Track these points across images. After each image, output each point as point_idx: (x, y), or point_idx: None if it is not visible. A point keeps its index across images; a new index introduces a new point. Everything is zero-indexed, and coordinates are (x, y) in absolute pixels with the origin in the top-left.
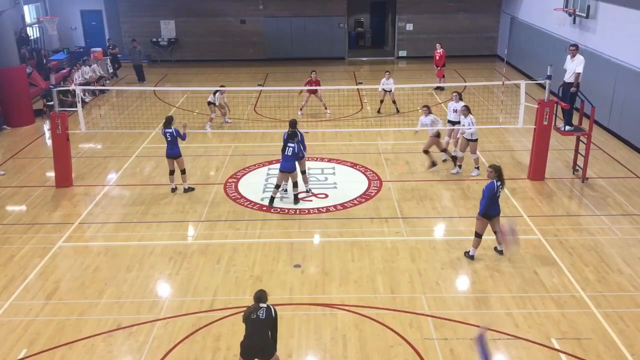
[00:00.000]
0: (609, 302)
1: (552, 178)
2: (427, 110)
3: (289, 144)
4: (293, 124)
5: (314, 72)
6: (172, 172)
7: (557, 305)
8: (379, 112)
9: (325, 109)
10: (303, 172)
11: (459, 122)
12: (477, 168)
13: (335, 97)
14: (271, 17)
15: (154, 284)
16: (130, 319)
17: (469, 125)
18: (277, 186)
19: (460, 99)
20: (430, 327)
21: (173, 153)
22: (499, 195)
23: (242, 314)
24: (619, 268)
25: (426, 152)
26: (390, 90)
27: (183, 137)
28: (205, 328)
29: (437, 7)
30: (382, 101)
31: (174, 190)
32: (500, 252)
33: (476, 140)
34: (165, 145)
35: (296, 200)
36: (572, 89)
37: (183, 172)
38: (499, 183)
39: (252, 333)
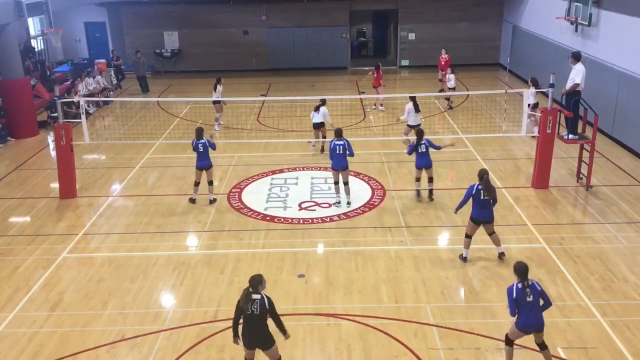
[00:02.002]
0: (614, 311)
1: (556, 186)
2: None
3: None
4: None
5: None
6: (197, 184)
7: (562, 314)
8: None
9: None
10: (345, 183)
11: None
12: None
13: (338, 107)
14: (274, 27)
15: (158, 295)
16: (134, 330)
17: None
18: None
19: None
20: (435, 337)
21: (205, 164)
22: (484, 199)
23: (238, 299)
24: (625, 276)
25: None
26: (453, 88)
27: (213, 147)
28: (210, 339)
29: (439, 16)
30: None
31: (193, 200)
32: (502, 255)
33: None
34: (195, 156)
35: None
36: (562, 92)
37: (210, 183)
38: (480, 186)
39: (249, 326)
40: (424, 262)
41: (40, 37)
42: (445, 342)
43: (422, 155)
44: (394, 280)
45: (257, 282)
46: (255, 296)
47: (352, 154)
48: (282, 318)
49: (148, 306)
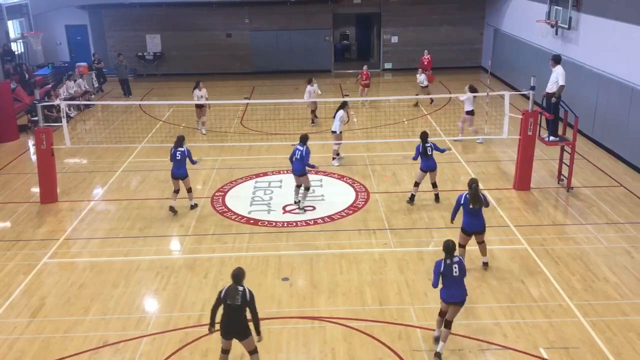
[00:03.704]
0: (595, 311)
1: (537, 188)
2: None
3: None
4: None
5: (365, 66)
6: (176, 191)
7: (544, 314)
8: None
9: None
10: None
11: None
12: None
13: (322, 110)
14: (257, 30)
15: (141, 300)
16: (116, 336)
17: None
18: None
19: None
20: (419, 339)
21: (180, 173)
22: (473, 208)
23: (219, 291)
24: (605, 276)
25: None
26: (427, 86)
27: (193, 162)
28: (193, 344)
29: (421, 19)
30: (417, 94)
31: (173, 209)
32: (485, 265)
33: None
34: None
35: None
36: (553, 99)
37: (189, 190)
38: (468, 195)
39: (228, 316)
40: (408, 264)
41: (21, 40)
42: (429, 343)
43: (428, 158)
44: (378, 282)
45: (240, 275)
46: (240, 288)
47: (306, 162)
48: (267, 321)
49: (131, 311)
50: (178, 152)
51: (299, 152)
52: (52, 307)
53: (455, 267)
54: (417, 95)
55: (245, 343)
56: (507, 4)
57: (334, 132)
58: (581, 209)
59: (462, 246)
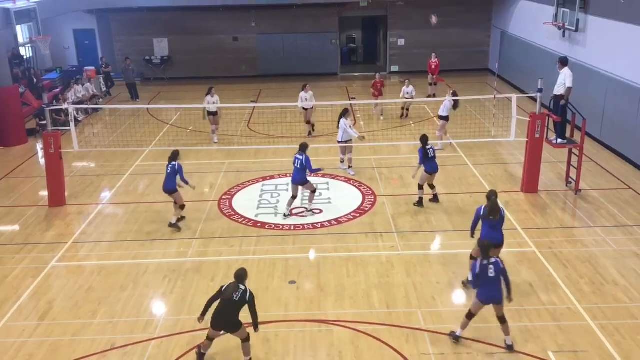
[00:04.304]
0: (604, 314)
1: (545, 190)
2: (409, 82)
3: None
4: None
5: (378, 74)
6: (182, 206)
7: (553, 318)
8: (402, 117)
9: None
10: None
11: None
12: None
13: (329, 113)
14: (264, 34)
15: (148, 303)
16: (124, 339)
17: None
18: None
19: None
20: (427, 342)
21: (167, 188)
22: (492, 220)
23: (221, 286)
24: (614, 279)
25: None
26: (412, 97)
27: (183, 179)
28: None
29: (428, 22)
30: (403, 108)
31: (171, 225)
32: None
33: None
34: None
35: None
36: (562, 102)
37: (179, 207)
38: (486, 208)
39: (222, 309)
40: (415, 267)
41: (29, 45)
42: (436, 347)
43: (431, 160)
44: (386, 285)
45: (242, 275)
46: (241, 287)
47: (310, 169)
48: (273, 325)
49: (138, 314)
50: (169, 166)
51: (299, 161)
52: (60, 310)
53: (492, 268)
54: (404, 107)
55: (236, 334)
56: (514, 6)
57: (339, 141)
58: (589, 212)
59: (475, 258)
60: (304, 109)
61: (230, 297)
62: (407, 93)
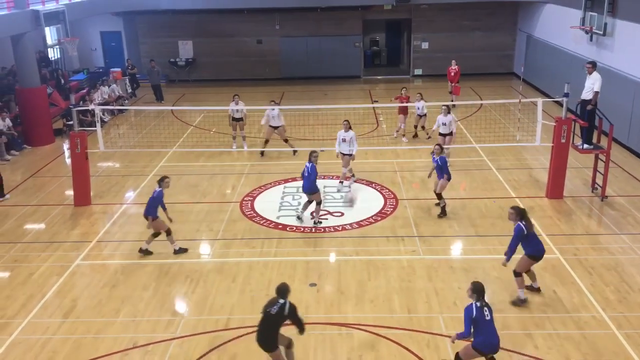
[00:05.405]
0: (630, 323)
1: (570, 196)
2: (447, 109)
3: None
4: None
5: (404, 89)
6: (167, 232)
7: (577, 326)
8: (415, 137)
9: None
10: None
11: (450, 134)
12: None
13: (351, 116)
14: (287, 37)
15: (170, 303)
16: (146, 338)
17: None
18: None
19: (449, 112)
20: (448, 348)
21: (146, 211)
22: (532, 233)
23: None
24: None
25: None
26: (424, 115)
27: (160, 202)
28: (221, 347)
29: (452, 25)
30: (416, 126)
31: (177, 252)
32: (537, 290)
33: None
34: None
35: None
36: (589, 107)
37: (152, 233)
38: (524, 223)
39: (261, 323)
40: (437, 272)
41: (57, 46)
42: None
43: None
44: (407, 290)
45: (283, 290)
46: (281, 300)
47: (313, 179)
48: (293, 327)
49: (160, 314)
50: (154, 191)
51: (307, 170)
52: (84, 308)
53: (486, 311)
54: (417, 125)
55: (271, 355)
56: (541, 10)
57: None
58: (616, 219)
59: (520, 274)
60: (271, 126)
61: (268, 310)
62: (418, 108)
